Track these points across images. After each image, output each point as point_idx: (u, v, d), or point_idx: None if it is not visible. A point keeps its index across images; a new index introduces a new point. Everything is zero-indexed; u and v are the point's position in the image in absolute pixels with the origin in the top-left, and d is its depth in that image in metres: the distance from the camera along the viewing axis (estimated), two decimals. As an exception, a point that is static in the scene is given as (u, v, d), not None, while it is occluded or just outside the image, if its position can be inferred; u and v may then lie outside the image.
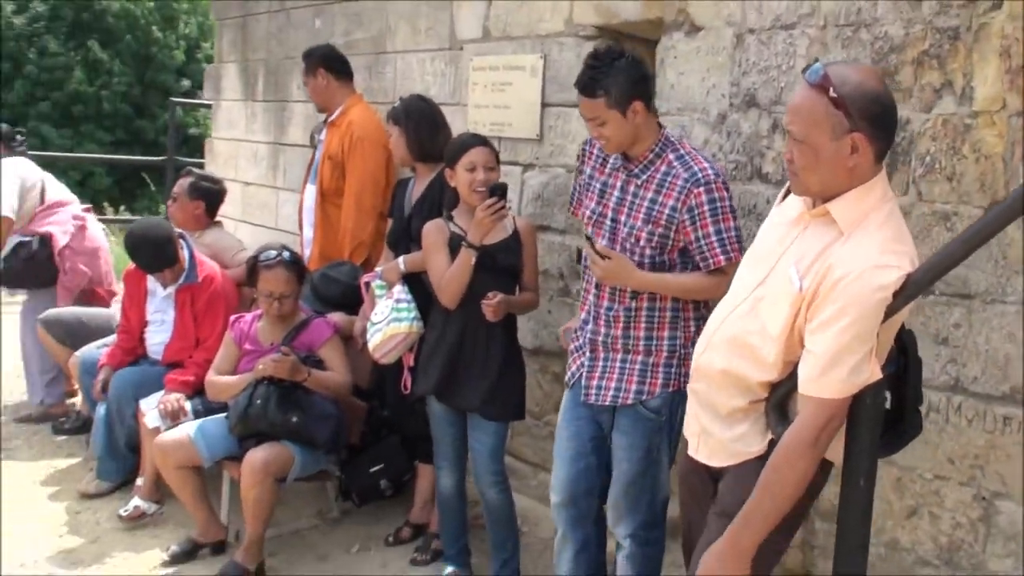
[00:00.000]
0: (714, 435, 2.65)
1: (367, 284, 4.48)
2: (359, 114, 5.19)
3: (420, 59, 5.52)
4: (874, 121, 2.31)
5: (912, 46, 3.24)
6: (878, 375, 2.35)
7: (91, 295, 6.27)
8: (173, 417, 4.71)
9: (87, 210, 6.48)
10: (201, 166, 8.15)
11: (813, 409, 2.34)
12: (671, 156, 3.30)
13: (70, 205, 6.31)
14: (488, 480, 3.94)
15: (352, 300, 4.72)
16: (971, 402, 3.11)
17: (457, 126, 4.94)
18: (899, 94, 3.25)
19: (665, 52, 4.09)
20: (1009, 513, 3.03)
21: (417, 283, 4.23)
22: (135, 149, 27.20)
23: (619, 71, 3.23)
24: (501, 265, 3.91)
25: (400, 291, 4.25)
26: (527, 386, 4.24)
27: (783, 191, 2.70)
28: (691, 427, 2.75)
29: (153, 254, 5.03)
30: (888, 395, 2.44)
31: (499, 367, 3.90)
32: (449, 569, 4.19)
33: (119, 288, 6.09)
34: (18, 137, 6.50)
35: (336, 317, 4.72)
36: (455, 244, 3.88)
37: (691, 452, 2.75)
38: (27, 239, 6.06)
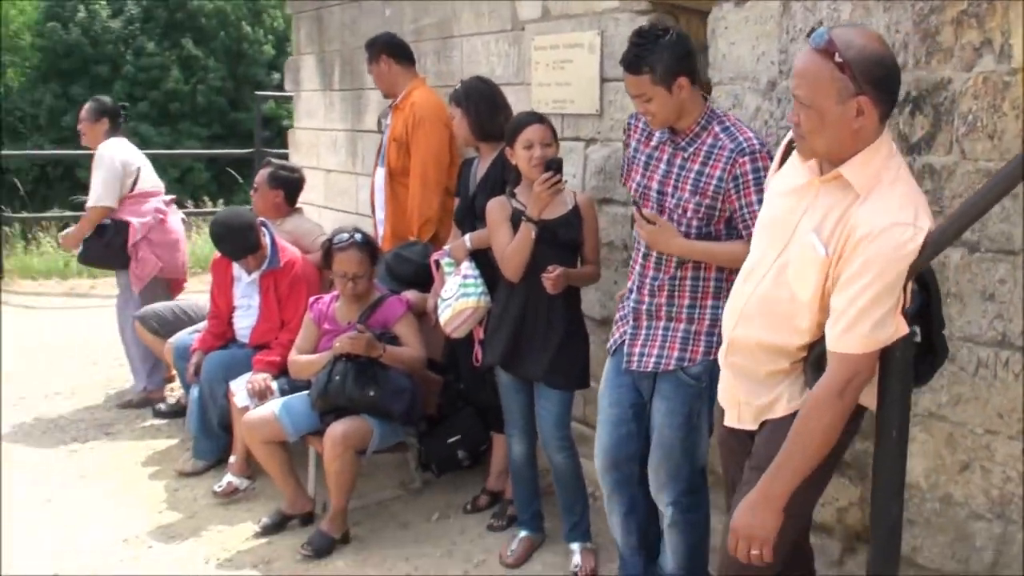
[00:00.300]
0: (754, 403, 2.75)
1: (436, 262, 4.65)
2: (421, 96, 5.38)
3: (484, 41, 5.66)
4: (878, 84, 2.39)
5: (952, 6, 3.27)
6: (904, 331, 2.44)
7: (167, 283, 6.59)
8: (261, 396, 4.94)
9: (169, 203, 6.76)
10: (287, 156, 8.41)
11: (837, 364, 2.44)
12: (717, 128, 3.39)
13: (157, 196, 6.61)
14: (555, 445, 4.09)
15: (425, 278, 4.90)
16: (1018, 356, 3.14)
17: (522, 105, 5.08)
18: (940, 54, 3.30)
19: (716, 23, 4.16)
20: (1059, 464, 3.08)
21: (484, 259, 4.39)
22: (231, 142, 27.83)
23: (664, 48, 3.33)
24: (562, 239, 4.04)
25: (468, 267, 4.42)
26: (595, 355, 4.37)
27: (777, 160, 2.80)
28: (728, 399, 2.85)
29: (236, 242, 5.28)
30: (917, 329, 2.52)
31: (561, 337, 4.03)
32: (523, 533, 4.36)
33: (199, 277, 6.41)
34: (122, 112, 6.81)
35: (409, 295, 4.91)
36: (517, 219, 4.03)
37: (729, 423, 2.86)
38: (106, 223, 6.41)
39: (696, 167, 3.38)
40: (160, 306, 6.24)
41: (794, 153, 2.69)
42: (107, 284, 9.48)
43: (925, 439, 3.43)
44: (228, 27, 31.01)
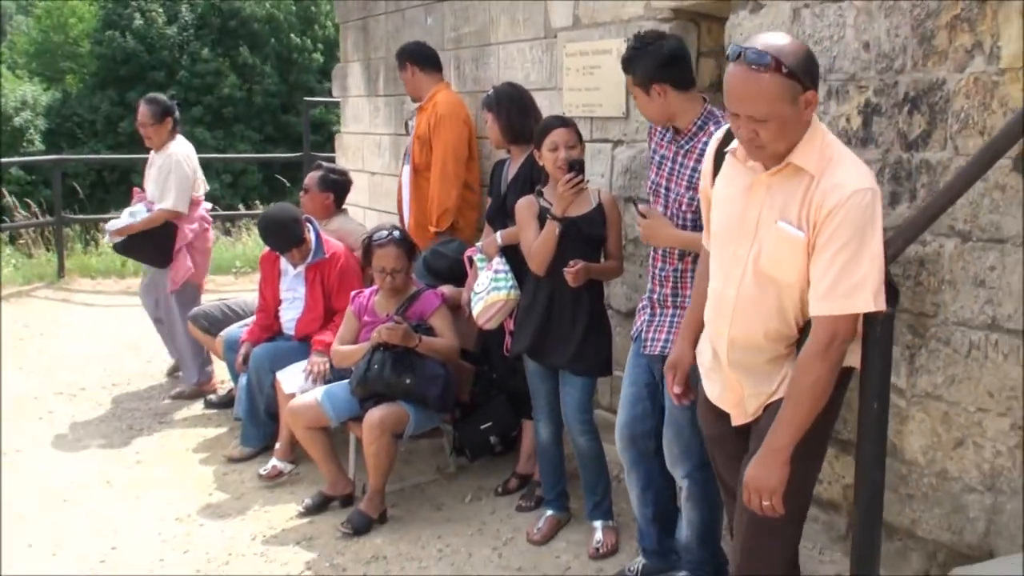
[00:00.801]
0: (763, 391, 2.96)
1: (470, 258, 4.92)
2: (443, 97, 5.75)
3: (520, 48, 5.92)
4: (813, 75, 2.67)
5: (946, 11, 3.48)
6: (882, 307, 2.67)
7: (196, 286, 6.90)
8: (320, 378, 5.24)
9: (209, 211, 7.07)
10: (334, 159, 8.72)
11: (817, 327, 2.70)
12: (712, 128, 3.63)
13: (202, 204, 6.89)
14: (578, 429, 4.33)
15: (460, 273, 5.17)
16: (1006, 339, 3.34)
17: (554, 108, 5.35)
18: (936, 56, 3.51)
19: (733, 29, 4.38)
20: (1044, 440, 3.27)
21: (514, 255, 4.64)
22: (282, 146, 28.40)
23: (647, 54, 3.62)
24: (585, 235, 4.28)
25: (498, 263, 4.68)
26: (621, 345, 4.61)
27: (708, 171, 3.06)
28: (730, 400, 3.06)
29: (282, 235, 5.59)
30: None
31: (585, 328, 4.27)
32: (549, 512, 4.61)
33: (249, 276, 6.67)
34: (177, 108, 7.03)
35: (445, 289, 5.17)
36: (544, 217, 4.28)
37: (737, 422, 3.06)
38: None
39: (691, 164, 3.63)
40: (209, 305, 6.57)
41: (727, 159, 2.92)
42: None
43: (923, 418, 3.64)
44: (280, 34, 31.57)
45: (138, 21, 30.01)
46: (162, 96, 6.97)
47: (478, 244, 4.90)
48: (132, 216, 6.60)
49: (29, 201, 12.56)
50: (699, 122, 3.67)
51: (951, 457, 3.57)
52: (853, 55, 3.83)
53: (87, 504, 5.15)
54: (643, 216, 3.72)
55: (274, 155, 23.06)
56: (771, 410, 2.92)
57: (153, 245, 6.66)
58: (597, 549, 4.36)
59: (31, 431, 6.20)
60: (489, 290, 4.63)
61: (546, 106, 5.44)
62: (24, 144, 28.33)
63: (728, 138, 2.96)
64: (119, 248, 6.80)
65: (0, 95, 28.78)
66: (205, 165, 7.09)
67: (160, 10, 30.31)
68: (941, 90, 3.50)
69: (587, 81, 5.28)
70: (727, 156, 2.93)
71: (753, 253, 2.80)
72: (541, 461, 4.67)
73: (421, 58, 5.88)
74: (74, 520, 4.96)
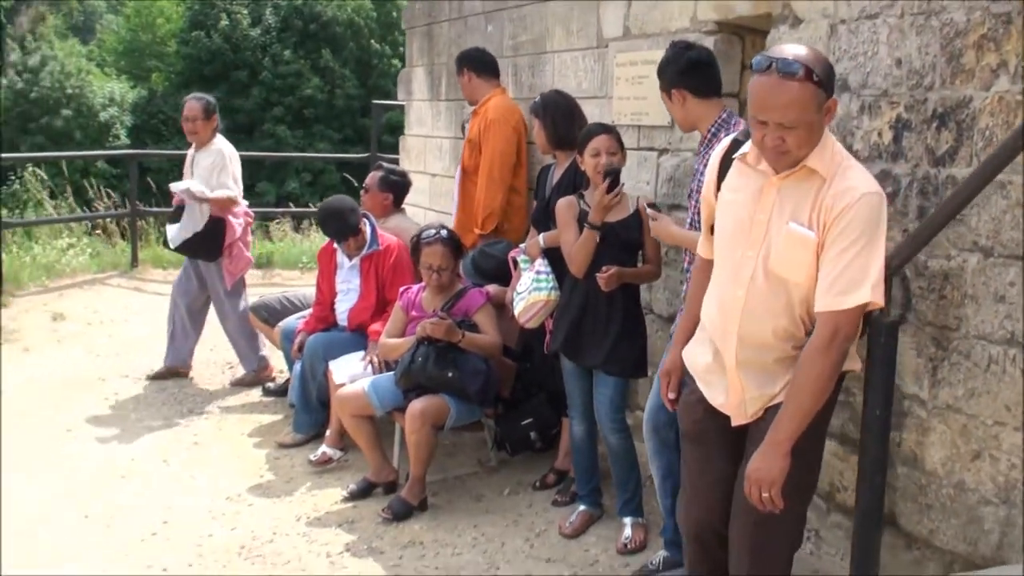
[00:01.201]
0: (766, 392, 3.06)
1: (514, 260, 5.08)
2: (496, 102, 5.93)
3: (573, 57, 6.07)
4: (833, 85, 2.83)
5: (974, 31, 3.56)
6: (880, 302, 2.80)
7: (243, 280, 7.12)
8: (381, 367, 5.44)
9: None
10: (398, 161, 8.95)
11: (820, 322, 2.83)
12: (723, 135, 3.76)
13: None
14: (609, 427, 4.47)
15: (507, 273, 5.33)
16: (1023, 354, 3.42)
17: (605, 116, 5.49)
18: (963, 75, 3.59)
19: (773, 43, 4.48)
20: (1055, 453, 3.33)
21: (557, 256, 4.79)
22: (359, 147, 28.83)
23: (669, 62, 3.82)
24: (623, 240, 4.42)
25: (541, 264, 4.83)
26: (658, 348, 4.73)
27: (713, 177, 3.17)
28: (731, 400, 3.12)
29: (338, 223, 5.83)
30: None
31: (619, 329, 4.41)
32: (581, 507, 4.76)
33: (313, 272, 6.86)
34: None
35: (491, 288, 5.34)
36: (583, 220, 4.44)
37: (738, 422, 3.13)
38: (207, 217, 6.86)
39: (702, 169, 3.77)
40: (270, 297, 6.84)
41: (735, 166, 3.04)
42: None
43: (943, 430, 3.71)
44: (360, 39, 32.07)
45: (224, 22, 30.70)
46: (208, 96, 7.19)
47: (522, 246, 5.06)
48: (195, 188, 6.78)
49: (111, 192, 12.99)
50: (713, 129, 3.82)
51: (968, 469, 3.63)
52: (886, 71, 3.92)
53: (143, 480, 5.42)
54: (653, 219, 3.93)
55: (342, 156, 23.60)
56: (773, 411, 3.02)
57: (206, 241, 6.86)
58: (625, 544, 4.49)
59: (96, 411, 6.50)
60: (531, 290, 4.79)
61: (597, 114, 5.58)
62: (110, 139, 29.14)
63: (735, 146, 3.08)
64: (176, 246, 6.95)
65: (89, 91, 29.64)
66: (284, 163, 7.34)
67: (245, 11, 30.98)
68: (968, 108, 3.58)
69: (635, 90, 5.41)
70: (734, 163, 3.05)
71: (763, 254, 2.91)
72: (575, 457, 4.81)
73: (478, 64, 6.08)
74: (130, 495, 5.22)
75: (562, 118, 5.06)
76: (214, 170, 6.87)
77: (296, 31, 31.42)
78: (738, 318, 3.00)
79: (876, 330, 2.93)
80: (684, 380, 3.38)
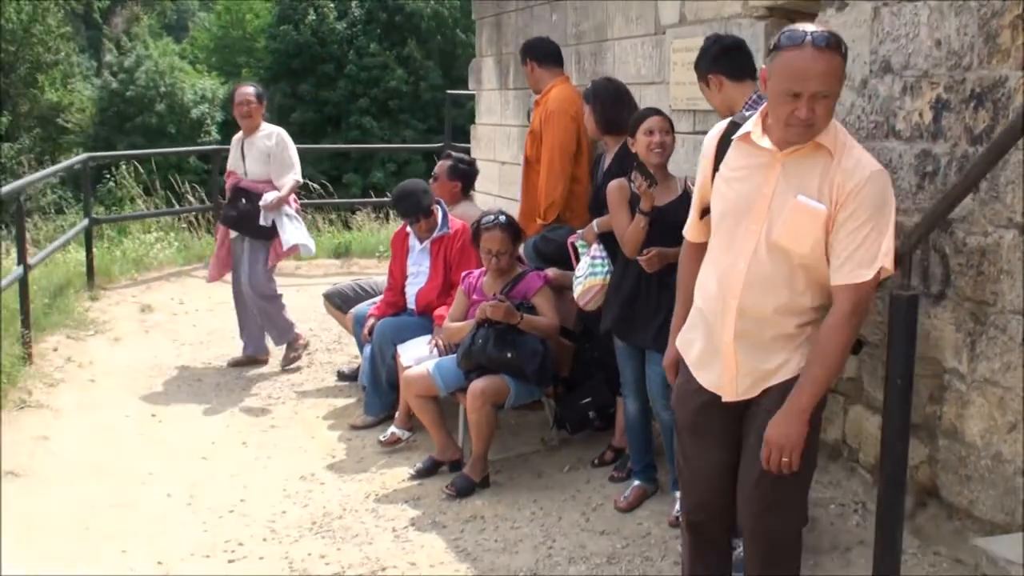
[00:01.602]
0: (759, 367, 3.10)
1: (573, 245, 5.24)
2: (557, 92, 6.00)
3: (632, 44, 6.20)
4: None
5: (1010, 10, 3.62)
6: (891, 269, 2.92)
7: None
8: (446, 350, 5.63)
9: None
10: (469, 150, 9.15)
11: (844, 294, 2.92)
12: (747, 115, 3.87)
13: None
14: (661, 404, 4.61)
15: (567, 257, 5.47)
16: (1057, 327, 3.48)
17: (663, 102, 5.63)
18: (1000, 55, 3.66)
19: (821, 25, 4.56)
20: (1088, 424, 3.39)
21: (612, 240, 4.93)
22: (443, 136, 29.23)
23: (704, 50, 3.94)
24: (671, 222, 4.53)
25: (596, 249, 4.98)
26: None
27: (711, 156, 3.21)
28: (724, 376, 3.15)
29: (411, 202, 6.06)
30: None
31: (668, 309, 4.51)
32: (636, 482, 4.90)
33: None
34: None
35: (551, 271, 5.50)
36: (634, 202, 4.57)
37: (728, 398, 3.16)
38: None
39: None
40: (343, 285, 7.10)
41: (734, 146, 3.11)
42: (310, 266, 10.54)
43: (981, 403, 3.79)
44: (444, 30, 32.39)
45: (311, 16, 31.26)
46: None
47: (579, 232, 5.21)
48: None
49: (198, 187, 13.41)
50: (747, 107, 3.92)
51: (1005, 440, 3.70)
52: (926, 52, 3.98)
53: (223, 461, 5.70)
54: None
55: (416, 145, 24.37)
56: (772, 393, 3.08)
57: (257, 217, 7.06)
58: (677, 518, 4.61)
59: (179, 397, 6.82)
60: (587, 275, 4.94)
61: (655, 99, 5.71)
62: (202, 135, 29.94)
63: (732, 128, 3.17)
64: (229, 222, 7.19)
65: (180, 89, 30.48)
66: (370, 155, 7.61)
67: (332, 5, 31.50)
68: (1003, 87, 3.64)
69: (691, 75, 5.46)
70: (734, 143, 3.13)
71: (766, 227, 2.99)
72: (629, 434, 4.95)
73: (540, 54, 6.19)
74: (210, 474, 5.50)
75: (611, 103, 5.18)
76: (276, 151, 7.11)
77: (381, 23, 31.85)
78: (739, 290, 3.04)
79: (897, 303, 3.03)
80: (679, 370, 3.44)
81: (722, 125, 3.29)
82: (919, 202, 4.01)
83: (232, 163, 7.38)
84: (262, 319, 7.37)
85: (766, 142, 3.01)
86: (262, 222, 7.04)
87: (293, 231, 7.11)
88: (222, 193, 7.95)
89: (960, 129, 3.83)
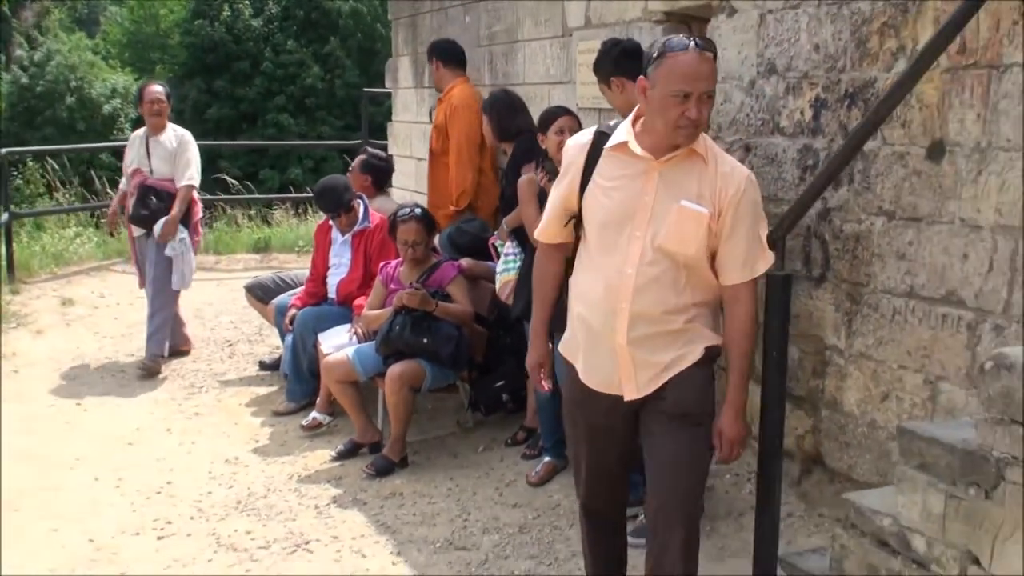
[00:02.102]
0: (658, 361, 3.21)
1: (493, 246, 5.55)
2: (459, 90, 6.45)
3: (541, 45, 6.50)
4: None
5: (877, 18, 3.98)
6: (772, 259, 3.27)
7: None
8: (366, 337, 5.87)
9: None
10: (386, 147, 9.37)
11: (749, 292, 3.23)
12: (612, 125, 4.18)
13: None
14: (568, 383, 4.91)
15: (481, 247, 5.79)
16: (921, 304, 3.84)
17: (570, 100, 5.94)
18: (869, 58, 4.02)
19: (712, 31, 4.91)
20: (948, 392, 3.76)
21: (524, 233, 5.24)
22: (360, 134, 29.29)
23: (604, 53, 4.27)
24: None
25: (509, 246, 5.31)
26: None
27: (581, 164, 3.30)
28: (622, 375, 3.24)
29: (333, 198, 6.35)
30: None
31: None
32: (546, 458, 5.20)
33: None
34: None
35: (464, 261, 5.79)
36: (543, 195, 4.87)
37: (630, 396, 3.25)
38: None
39: None
40: (264, 277, 7.34)
41: (608, 155, 3.24)
42: (230, 260, 10.69)
43: (857, 375, 4.15)
44: (363, 27, 32.42)
45: (226, 12, 31.05)
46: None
47: (496, 232, 5.53)
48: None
49: (109, 184, 13.40)
50: None
51: (879, 409, 4.07)
52: (806, 56, 4.34)
53: (148, 447, 5.90)
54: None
55: (334, 143, 24.66)
56: (672, 385, 3.22)
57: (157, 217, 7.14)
58: (584, 491, 4.93)
59: (104, 388, 6.97)
60: (503, 271, 5.28)
61: (563, 98, 6.02)
62: (115, 132, 29.59)
63: (601, 139, 3.29)
64: (139, 220, 7.24)
65: (89, 84, 30.08)
66: (287, 151, 7.78)
67: (247, 1, 31.33)
68: (873, 88, 4.01)
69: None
70: (607, 154, 3.24)
71: (651, 233, 3.12)
72: (540, 414, 5.25)
73: (445, 54, 6.56)
74: (136, 460, 5.69)
75: (506, 113, 5.60)
76: (180, 151, 7.25)
77: (298, 20, 31.78)
78: (630, 294, 3.14)
79: (773, 282, 3.37)
80: (556, 370, 3.58)
81: (587, 135, 3.37)
82: (801, 193, 4.36)
83: (137, 160, 7.34)
84: (150, 316, 7.34)
85: (641, 151, 3.16)
86: (168, 252, 7.14)
87: (180, 267, 7.22)
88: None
89: (836, 126, 4.20)
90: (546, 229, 3.51)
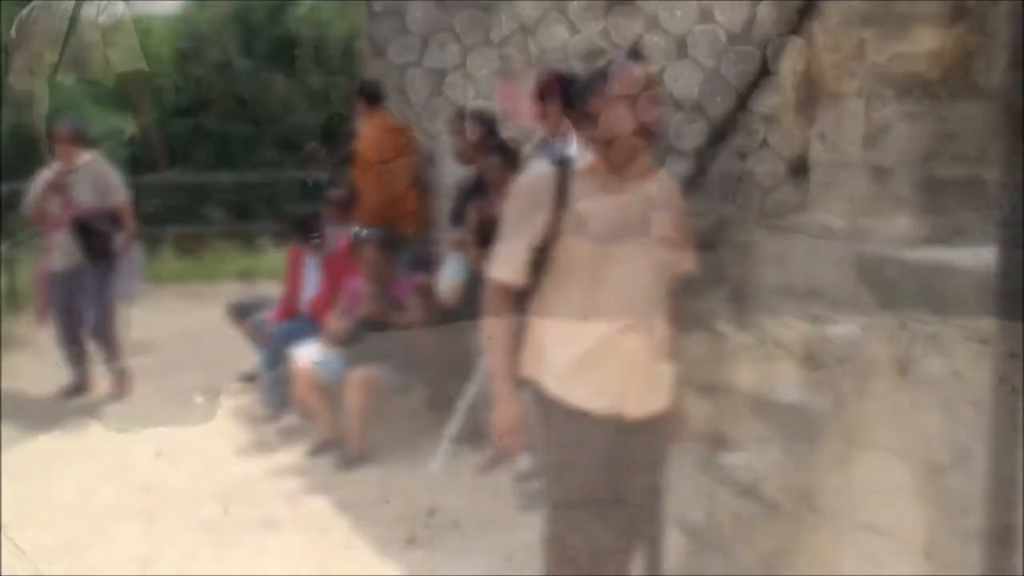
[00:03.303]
0: (661, 378, 3.23)
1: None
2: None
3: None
4: None
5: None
6: None
7: None
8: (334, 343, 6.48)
9: None
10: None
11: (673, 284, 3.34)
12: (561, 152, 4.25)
13: None
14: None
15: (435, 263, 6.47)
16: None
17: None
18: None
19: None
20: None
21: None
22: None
23: None
24: None
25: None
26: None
27: (553, 187, 3.13)
28: (625, 388, 3.14)
29: (304, 228, 7.21)
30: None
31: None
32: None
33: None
34: None
35: (421, 277, 6.50)
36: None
37: (632, 413, 3.14)
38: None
39: None
40: (242, 296, 8.05)
41: (579, 176, 3.13)
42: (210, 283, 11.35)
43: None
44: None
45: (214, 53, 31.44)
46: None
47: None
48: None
49: None
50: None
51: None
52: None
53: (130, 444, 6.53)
54: None
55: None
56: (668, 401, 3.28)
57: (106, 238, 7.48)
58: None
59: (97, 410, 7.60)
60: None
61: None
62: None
63: (567, 165, 3.17)
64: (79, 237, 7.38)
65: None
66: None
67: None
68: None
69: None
70: (584, 177, 3.14)
71: (647, 245, 3.14)
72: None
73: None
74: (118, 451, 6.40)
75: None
76: (100, 177, 7.52)
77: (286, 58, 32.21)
78: (645, 307, 3.14)
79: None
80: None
81: (546, 168, 3.22)
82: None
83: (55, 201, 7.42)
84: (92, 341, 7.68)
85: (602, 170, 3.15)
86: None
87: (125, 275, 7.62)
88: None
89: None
90: (514, 268, 3.17)
